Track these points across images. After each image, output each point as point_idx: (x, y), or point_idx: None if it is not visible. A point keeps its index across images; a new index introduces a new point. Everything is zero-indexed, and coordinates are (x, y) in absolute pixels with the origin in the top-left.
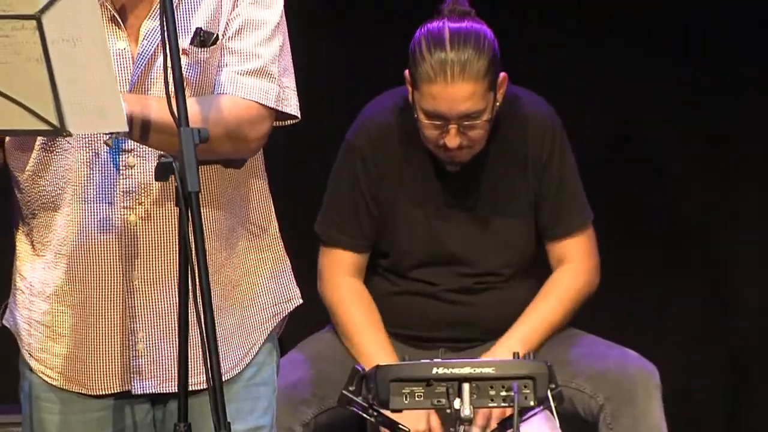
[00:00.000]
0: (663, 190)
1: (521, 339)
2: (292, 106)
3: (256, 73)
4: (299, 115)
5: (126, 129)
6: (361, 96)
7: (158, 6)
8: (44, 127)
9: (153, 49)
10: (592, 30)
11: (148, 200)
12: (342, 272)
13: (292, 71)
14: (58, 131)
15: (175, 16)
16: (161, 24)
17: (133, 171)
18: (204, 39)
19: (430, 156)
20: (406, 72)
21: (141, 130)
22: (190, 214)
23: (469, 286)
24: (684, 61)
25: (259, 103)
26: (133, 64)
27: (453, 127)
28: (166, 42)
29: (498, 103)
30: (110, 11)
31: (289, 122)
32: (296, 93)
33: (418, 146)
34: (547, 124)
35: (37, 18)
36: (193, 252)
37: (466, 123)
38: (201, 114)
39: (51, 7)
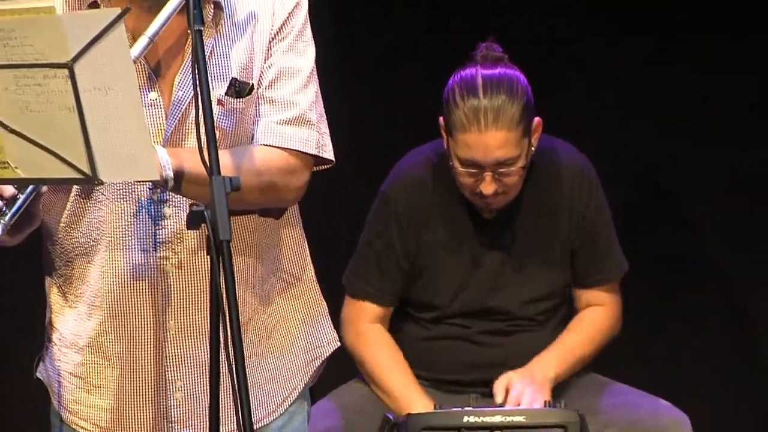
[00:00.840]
0: (693, 236)
1: (548, 366)
2: (328, 151)
3: (295, 122)
4: (334, 160)
5: (157, 177)
6: (397, 143)
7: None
8: (76, 175)
9: (187, 100)
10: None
11: (183, 250)
12: (365, 320)
13: (324, 114)
14: (90, 180)
15: (208, 66)
16: (193, 74)
17: (168, 221)
18: (239, 89)
19: (464, 205)
20: (441, 119)
21: (175, 181)
22: (221, 262)
23: (501, 329)
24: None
25: (300, 152)
26: (165, 114)
27: (488, 174)
28: (198, 91)
29: (533, 149)
30: (147, 70)
31: (323, 167)
32: (329, 136)
33: (452, 197)
34: (584, 174)
35: (69, 66)
36: (225, 300)
37: (501, 170)
38: (233, 164)
39: (83, 55)
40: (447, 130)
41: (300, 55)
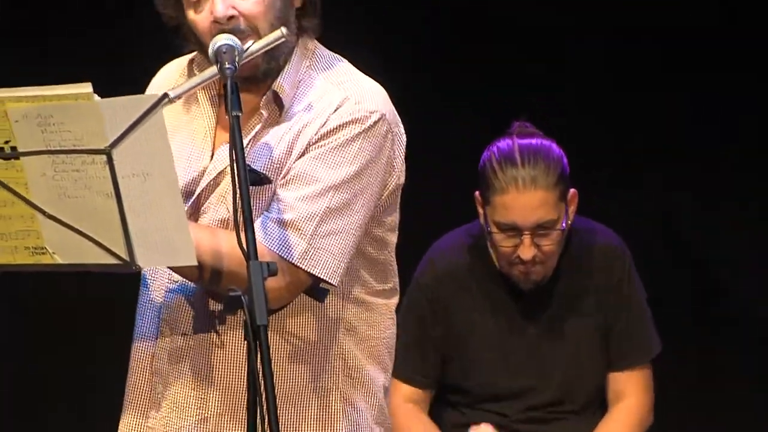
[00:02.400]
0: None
1: None
2: (324, 269)
3: (285, 225)
4: (334, 282)
5: (195, 263)
6: (431, 231)
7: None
8: (114, 261)
9: (215, 173)
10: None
11: (193, 320)
12: (401, 398)
13: (347, 238)
14: (127, 265)
15: (249, 150)
16: (230, 159)
17: (175, 285)
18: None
19: (500, 285)
20: (477, 193)
21: (211, 275)
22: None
23: (539, 416)
24: None
25: (280, 256)
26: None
27: (527, 237)
28: (234, 174)
29: (570, 221)
30: (211, 138)
31: (324, 286)
32: (341, 259)
33: (487, 277)
34: (617, 253)
35: (107, 153)
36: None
37: (540, 232)
38: (207, 244)
39: (121, 141)
40: (483, 199)
41: (328, 167)
